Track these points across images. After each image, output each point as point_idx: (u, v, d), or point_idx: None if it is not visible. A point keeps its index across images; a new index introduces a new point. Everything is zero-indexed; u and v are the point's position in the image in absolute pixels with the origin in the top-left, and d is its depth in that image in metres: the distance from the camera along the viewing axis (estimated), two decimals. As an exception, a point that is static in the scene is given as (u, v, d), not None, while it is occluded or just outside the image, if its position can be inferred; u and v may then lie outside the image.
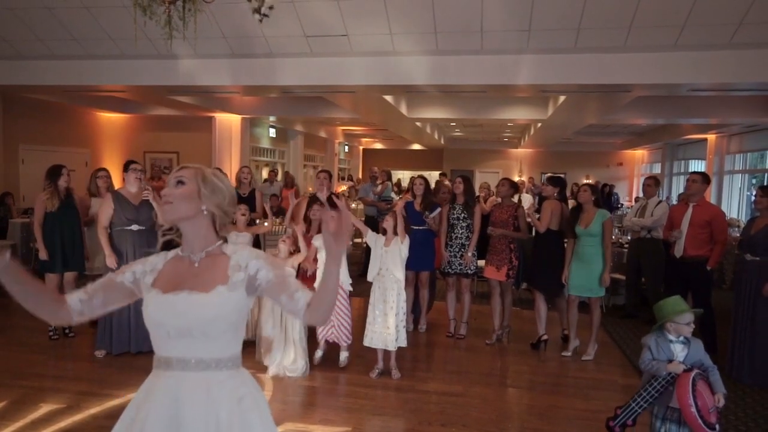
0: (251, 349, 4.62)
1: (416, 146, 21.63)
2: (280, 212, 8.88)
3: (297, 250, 4.66)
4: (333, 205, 4.78)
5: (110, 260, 4.69)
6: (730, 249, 7.22)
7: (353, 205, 10.55)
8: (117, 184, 5.86)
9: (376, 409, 3.95)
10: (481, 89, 6.97)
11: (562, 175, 6.60)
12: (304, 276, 5.06)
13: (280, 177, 13.44)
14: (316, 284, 4.54)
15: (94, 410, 3.77)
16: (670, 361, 2.76)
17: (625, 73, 6.00)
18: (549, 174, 12.16)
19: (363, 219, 8.93)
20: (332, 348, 4.79)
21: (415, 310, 5.89)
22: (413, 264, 5.12)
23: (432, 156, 22.15)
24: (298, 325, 4.49)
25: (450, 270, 5.58)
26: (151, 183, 7.49)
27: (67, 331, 5.31)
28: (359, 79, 6.58)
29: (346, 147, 21.03)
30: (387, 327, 4.37)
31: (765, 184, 11.09)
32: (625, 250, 7.04)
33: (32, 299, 1.68)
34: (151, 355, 1.71)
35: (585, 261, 4.93)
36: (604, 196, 11.28)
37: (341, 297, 4.56)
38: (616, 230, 8.47)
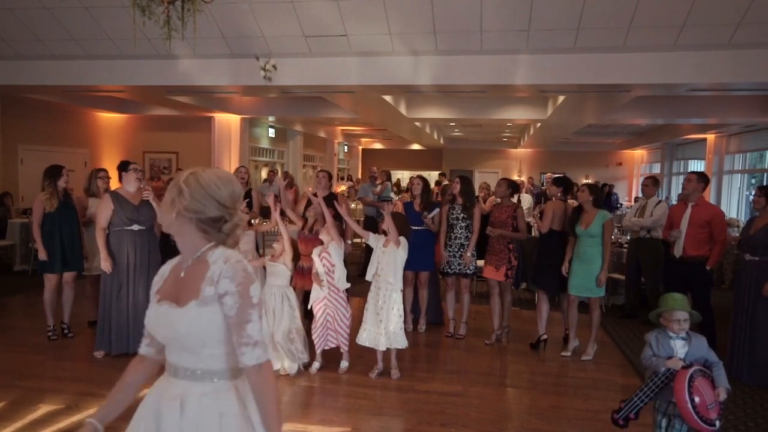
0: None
1: (415, 146, 21.63)
2: (279, 212, 8.86)
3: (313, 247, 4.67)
4: (330, 204, 4.79)
5: (105, 264, 4.68)
6: (730, 249, 7.22)
7: (352, 205, 10.55)
8: (113, 185, 5.84)
9: (375, 410, 3.94)
10: (481, 89, 6.97)
11: (563, 174, 6.60)
12: (300, 273, 5.06)
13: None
14: (314, 280, 4.54)
15: (93, 411, 3.70)
16: (671, 357, 2.77)
17: (625, 73, 6.00)
18: (548, 174, 12.17)
19: (362, 219, 8.95)
20: (332, 350, 4.77)
21: (414, 310, 5.89)
22: (413, 264, 5.10)
23: (431, 156, 22.15)
24: (281, 328, 4.42)
25: (449, 270, 5.58)
26: (150, 183, 7.49)
27: (65, 331, 5.31)
28: (358, 79, 6.57)
29: (346, 147, 21.04)
30: (377, 327, 4.36)
31: (764, 183, 11.11)
32: (625, 250, 7.04)
33: (131, 396, 1.72)
34: None
35: (585, 261, 4.93)
36: (603, 196, 11.27)
37: (340, 304, 4.55)
38: (616, 230, 8.47)
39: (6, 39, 6.73)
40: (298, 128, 15.25)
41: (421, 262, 5.53)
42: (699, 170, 7.83)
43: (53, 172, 5.14)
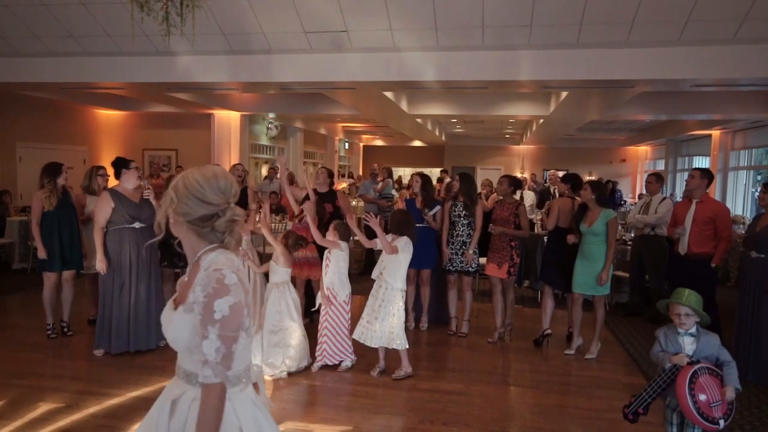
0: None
1: (417, 143, 21.57)
2: (279, 210, 8.84)
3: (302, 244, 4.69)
4: (327, 200, 4.75)
5: (100, 265, 4.65)
6: (735, 246, 7.17)
7: (353, 202, 10.51)
8: (110, 182, 5.80)
9: (377, 408, 3.91)
10: (483, 85, 6.91)
11: (570, 172, 6.54)
12: (299, 264, 5.10)
13: (279, 174, 13.39)
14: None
15: (92, 409, 3.74)
16: (678, 353, 2.75)
17: (628, 69, 5.94)
18: (552, 171, 12.12)
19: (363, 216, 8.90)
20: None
21: (416, 308, 5.85)
22: (414, 262, 5.05)
23: (433, 153, 22.09)
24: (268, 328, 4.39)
25: (451, 267, 5.53)
26: (150, 181, 7.45)
27: (65, 329, 5.28)
28: (359, 75, 6.52)
29: (347, 144, 20.97)
30: (372, 324, 4.33)
31: (768, 180, 11.03)
32: (629, 248, 6.98)
33: None
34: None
35: (589, 259, 4.89)
36: (608, 193, 11.21)
37: (341, 314, 4.51)
38: (620, 227, 8.41)
39: (3, 36, 6.68)
40: (298, 125, 15.20)
41: (423, 259, 5.49)
42: (703, 167, 7.76)
43: (52, 170, 5.09)
